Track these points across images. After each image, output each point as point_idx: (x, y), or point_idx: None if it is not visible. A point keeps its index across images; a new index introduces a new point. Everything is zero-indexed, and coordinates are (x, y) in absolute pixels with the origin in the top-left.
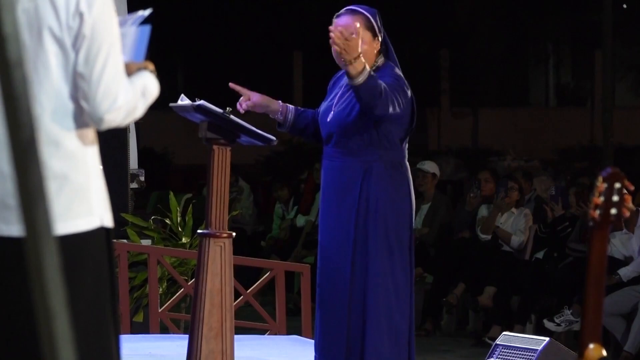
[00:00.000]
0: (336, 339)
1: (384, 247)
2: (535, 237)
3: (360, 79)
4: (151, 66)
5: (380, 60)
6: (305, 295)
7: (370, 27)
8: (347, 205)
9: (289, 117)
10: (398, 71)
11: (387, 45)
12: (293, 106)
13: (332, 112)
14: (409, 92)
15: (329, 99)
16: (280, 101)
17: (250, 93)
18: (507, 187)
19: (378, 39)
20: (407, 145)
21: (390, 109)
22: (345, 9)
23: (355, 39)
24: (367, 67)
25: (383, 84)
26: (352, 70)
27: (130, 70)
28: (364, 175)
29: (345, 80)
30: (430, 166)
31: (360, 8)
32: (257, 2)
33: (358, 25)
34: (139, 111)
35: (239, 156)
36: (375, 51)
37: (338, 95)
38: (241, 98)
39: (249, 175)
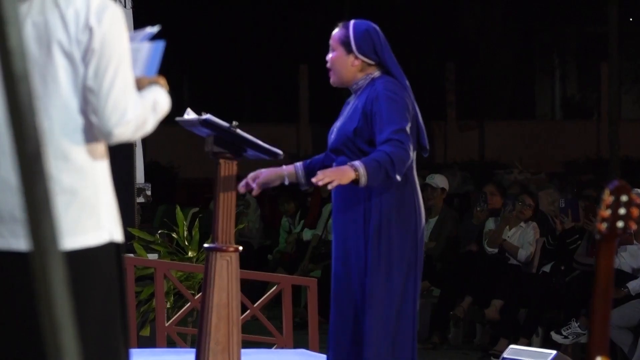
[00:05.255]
0: (348, 350)
1: (385, 264)
2: (543, 249)
3: (363, 180)
4: (162, 81)
5: (376, 74)
6: (312, 309)
7: (344, 42)
8: (352, 220)
9: (300, 173)
10: (397, 86)
11: (383, 61)
12: (300, 163)
13: (335, 128)
14: (410, 108)
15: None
16: (284, 166)
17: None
18: (524, 202)
19: (355, 55)
20: (414, 157)
21: (407, 158)
22: (344, 22)
23: (334, 172)
24: (360, 169)
25: (385, 157)
26: (353, 181)
27: (142, 84)
28: (369, 190)
29: (350, 99)
30: (439, 180)
31: (352, 23)
32: (263, 15)
33: None
34: (149, 125)
35: (246, 170)
36: (352, 66)
37: (343, 114)
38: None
39: None
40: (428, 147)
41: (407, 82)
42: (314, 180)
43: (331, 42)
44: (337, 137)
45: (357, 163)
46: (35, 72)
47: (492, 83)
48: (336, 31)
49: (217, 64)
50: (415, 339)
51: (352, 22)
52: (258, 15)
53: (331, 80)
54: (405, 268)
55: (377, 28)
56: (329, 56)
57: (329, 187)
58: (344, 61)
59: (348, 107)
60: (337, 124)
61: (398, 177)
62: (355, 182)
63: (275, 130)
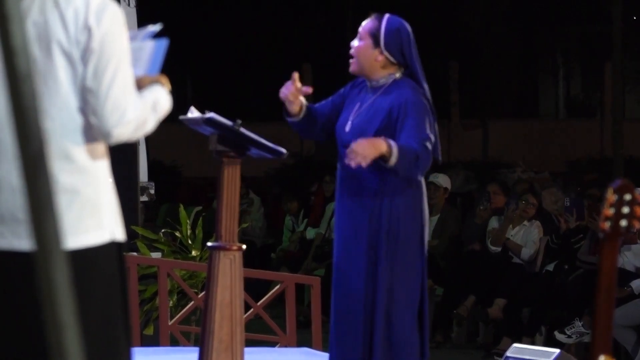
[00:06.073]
0: (351, 349)
1: (392, 268)
2: (546, 248)
3: (393, 160)
4: (164, 80)
5: (398, 75)
6: (315, 308)
7: (373, 35)
8: (361, 217)
9: (301, 113)
10: (423, 96)
11: (409, 63)
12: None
13: (349, 123)
14: (432, 113)
15: (347, 109)
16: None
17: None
18: (528, 201)
19: (380, 50)
20: None
21: (428, 165)
22: (378, 14)
23: (365, 145)
24: (394, 149)
25: (413, 151)
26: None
27: (143, 83)
28: (379, 190)
29: (364, 91)
30: (443, 180)
31: (386, 18)
32: (266, 14)
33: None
34: (150, 125)
35: (249, 169)
36: (376, 60)
37: (357, 107)
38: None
39: (258, 187)
40: (440, 157)
41: (427, 87)
42: (346, 161)
43: (360, 30)
44: (354, 136)
45: (392, 142)
46: (36, 72)
47: (496, 82)
48: (367, 21)
49: (220, 63)
50: (425, 337)
51: (386, 16)
52: (261, 14)
53: (351, 68)
54: (412, 269)
55: (410, 30)
56: (355, 44)
57: (363, 164)
58: (369, 54)
59: (366, 103)
60: (353, 120)
61: (418, 177)
62: (384, 159)
63: (278, 129)
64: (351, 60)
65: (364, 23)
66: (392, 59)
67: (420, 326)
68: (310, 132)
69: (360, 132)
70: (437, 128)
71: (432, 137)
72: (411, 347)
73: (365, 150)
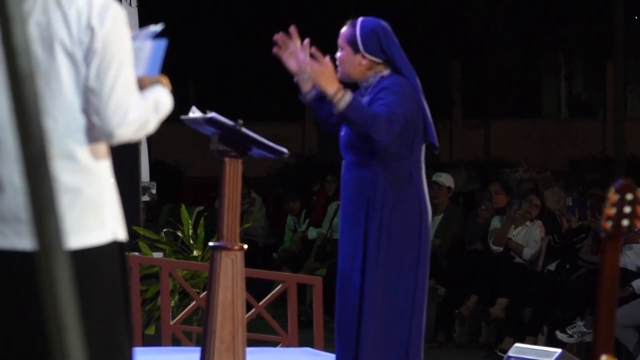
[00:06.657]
0: (351, 349)
1: (383, 266)
2: (548, 247)
3: (341, 105)
4: (165, 80)
5: (386, 72)
6: (317, 308)
7: (351, 41)
8: (355, 219)
9: (314, 92)
10: (404, 85)
11: (392, 59)
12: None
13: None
14: (414, 103)
15: None
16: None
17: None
18: (532, 202)
19: (362, 55)
20: (422, 156)
21: (390, 131)
22: (352, 20)
23: (327, 68)
24: (347, 96)
25: (370, 111)
26: (330, 97)
27: (144, 84)
28: (370, 188)
29: (361, 95)
30: (446, 179)
31: (360, 21)
32: (267, 15)
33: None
34: (151, 125)
35: (251, 168)
36: (360, 65)
37: None
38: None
39: (260, 187)
40: (437, 144)
41: (418, 81)
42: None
43: (339, 40)
44: (347, 134)
45: (349, 91)
46: (39, 72)
47: (498, 82)
48: (344, 29)
49: (222, 63)
50: (418, 339)
51: (359, 20)
52: (262, 14)
53: (338, 77)
54: (405, 268)
55: (385, 25)
56: (337, 55)
57: (305, 75)
58: (352, 61)
59: None
60: None
61: (377, 137)
62: (331, 98)
63: (280, 129)
64: (338, 69)
65: (341, 32)
66: (375, 59)
67: (409, 328)
68: (325, 121)
69: (350, 131)
70: (428, 111)
71: (401, 117)
72: (400, 348)
73: (320, 70)
